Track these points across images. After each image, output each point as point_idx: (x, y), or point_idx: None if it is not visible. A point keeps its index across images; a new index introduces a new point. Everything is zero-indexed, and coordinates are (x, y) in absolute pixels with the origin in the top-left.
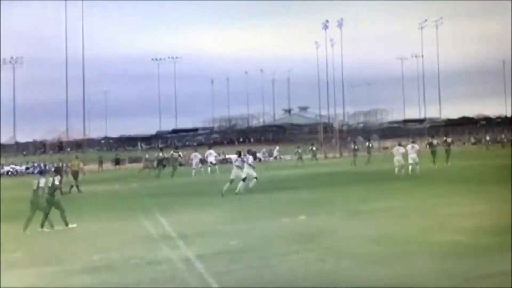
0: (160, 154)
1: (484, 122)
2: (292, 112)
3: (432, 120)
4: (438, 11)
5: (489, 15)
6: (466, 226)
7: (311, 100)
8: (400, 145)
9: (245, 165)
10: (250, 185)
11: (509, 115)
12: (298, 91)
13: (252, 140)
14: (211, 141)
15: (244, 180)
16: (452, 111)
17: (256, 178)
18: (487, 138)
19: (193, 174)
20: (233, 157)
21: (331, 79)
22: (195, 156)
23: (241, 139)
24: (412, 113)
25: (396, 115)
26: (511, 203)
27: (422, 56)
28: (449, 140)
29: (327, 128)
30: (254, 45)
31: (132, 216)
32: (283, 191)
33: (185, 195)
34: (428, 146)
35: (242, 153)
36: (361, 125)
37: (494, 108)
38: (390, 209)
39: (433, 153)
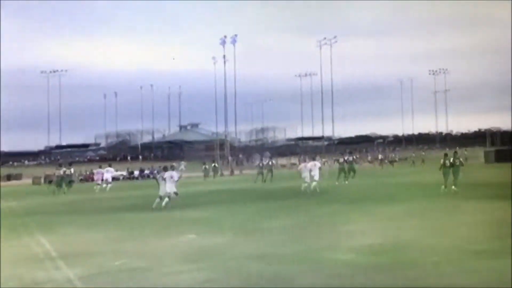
0: (62, 170)
1: (381, 140)
2: (185, 128)
3: (329, 138)
4: (335, 30)
5: (387, 35)
6: (361, 244)
7: (206, 116)
8: (305, 161)
9: (168, 180)
10: (163, 204)
11: (404, 133)
12: (194, 107)
13: (141, 157)
14: (97, 158)
15: (163, 197)
16: (347, 129)
17: (176, 193)
18: (380, 156)
19: (97, 190)
20: (174, 173)
21: (226, 95)
22: (98, 173)
23: (131, 156)
24: (309, 131)
25: (294, 133)
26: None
27: (315, 74)
28: (350, 158)
29: (224, 145)
30: (149, 60)
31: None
32: (186, 208)
33: (77, 212)
34: (337, 163)
35: (169, 168)
36: (259, 142)
37: (392, 127)
38: (286, 227)
39: (342, 170)
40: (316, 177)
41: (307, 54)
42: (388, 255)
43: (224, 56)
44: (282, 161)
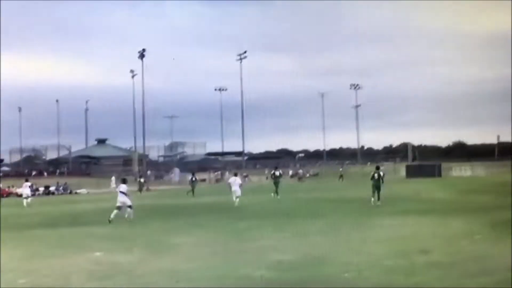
0: None
1: (302, 155)
2: (101, 143)
3: (250, 153)
4: (251, 44)
5: (307, 51)
6: (274, 260)
7: (115, 132)
8: (236, 175)
9: (120, 193)
10: (126, 215)
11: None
12: (102, 122)
13: (46, 173)
14: (0, 174)
15: (119, 208)
16: (260, 145)
17: (130, 206)
18: (300, 171)
19: (24, 204)
20: (123, 186)
21: (144, 110)
22: (25, 186)
23: (34, 172)
24: (229, 146)
25: (213, 147)
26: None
27: (225, 89)
28: (277, 173)
29: (133, 160)
30: (58, 75)
31: None
32: (86, 225)
33: None
34: (271, 177)
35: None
36: (176, 157)
37: (313, 142)
38: (198, 243)
39: (276, 184)
40: (238, 193)
41: (224, 68)
42: (297, 271)
43: (142, 71)
44: (203, 175)
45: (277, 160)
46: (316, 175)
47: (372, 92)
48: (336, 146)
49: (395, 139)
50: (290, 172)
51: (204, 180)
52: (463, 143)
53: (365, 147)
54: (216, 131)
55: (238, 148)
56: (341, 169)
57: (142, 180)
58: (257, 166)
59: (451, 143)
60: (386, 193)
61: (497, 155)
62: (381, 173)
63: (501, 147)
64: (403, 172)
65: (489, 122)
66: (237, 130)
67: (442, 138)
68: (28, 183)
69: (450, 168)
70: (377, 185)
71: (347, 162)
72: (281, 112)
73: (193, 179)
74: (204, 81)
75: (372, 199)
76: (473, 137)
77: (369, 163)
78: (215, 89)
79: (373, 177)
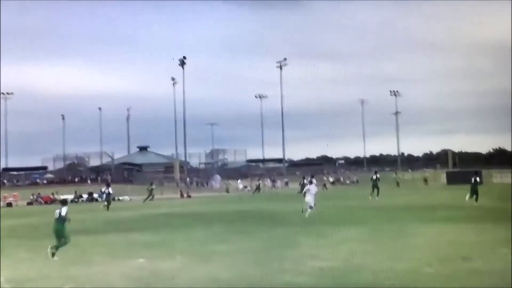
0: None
1: (342, 162)
2: (143, 150)
3: (290, 159)
4: (291, 51)
5: (347, 57)
6: (312, 267)
7: (156, 139)
8: (311, 183)
9: None
10: None
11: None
12: (142, 130)
13: (90, 180)
14: (45, 181)
15: None
16: (306, 151)
17: None
18: (341, 178)
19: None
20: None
21: (185, 117)
22: None
23: (78, 179)
24: (269, 153)
25: (254, 154)
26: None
27: (266, 97)
28: (331, 179)
29: (178, 167)
30: (99, 83)
31: None
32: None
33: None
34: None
35: None
36: (219, 163)
37: (353, 148)
38: (241, 250)
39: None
40: (311, 203)
41: (265, 75)
42: (339, 279)
43: (183, 78)
44: (245, 182)
45: (317, 167)
46: (356, 182)
47: (413, 100)
48: (376, 153)
49: (435, 146)
50: (331, 179)
51: (245, 187)
52: (504, 149)
53: (405, 154)
54: (256, 138)
55: (279, 155)
56: (395, 175)
57: (152, 187)
58: (297, 172)
59: (491, 150)
60: (428, 200)
61: None
62: (378, 176)
63: None
64: (443, 179)
65: None
66: (277, 137)
67: (482, 144)
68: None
69: (491, 174)
70: (374, 184)
71: (387, 169)
72: (321, 119)
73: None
74: (244, 88)
75: (370, 197)
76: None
77: (409, 170)
78: (255, 96)
79: (372, 178)
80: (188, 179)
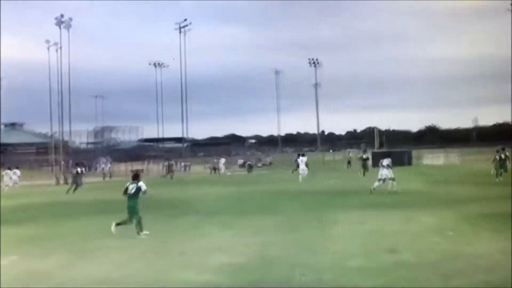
0: None
1: (254, 141)
2: (8, 127)
3: (193, 139)
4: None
5: (260, 23)
6: (219, 263)
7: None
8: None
9: None
10: None
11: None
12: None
13: None
14: None
15: None
16: (211, 129)
17: None
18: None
19: None
20: None
21: (56, 88)
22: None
23: None
24: (170, 131)
25: (150, 132)
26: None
27: (166, 66)
28: (240, 161)
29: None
30: None
31: None
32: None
33: None
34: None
35: None
36: (100, 144)
37: (266, 126)
38: (133, 244)
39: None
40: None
41: (164, 41)
42: (251, 275)
43: (60, 41)
44: (137, 165)
45: (223, 147)
46: (269, 164)
47: (334, 71)
48: (293, 131)
49: (359, 123)
50: (239, 162)
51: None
52: (436, 127)
53: (326, 132)
54: (154, 114)
55: (178, 134)
56: (350, 155)
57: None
58: (200, 154)
59: (422, 128)
60: (351, 184)
61: (475, 140)
62: (368, 155)
63: (478, 131)
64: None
65: (464, 104)
66: (177, 113)
67: (412, 122)
68: None
69: (422, 155)
70: (364, 164)
71: (305, 149)
72: (229, 92)
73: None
74: (139, 55)
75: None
76: (447, 120)
77: (331, 150)
78: (151, 64)
79: (361, 157)
80: (70, 162)
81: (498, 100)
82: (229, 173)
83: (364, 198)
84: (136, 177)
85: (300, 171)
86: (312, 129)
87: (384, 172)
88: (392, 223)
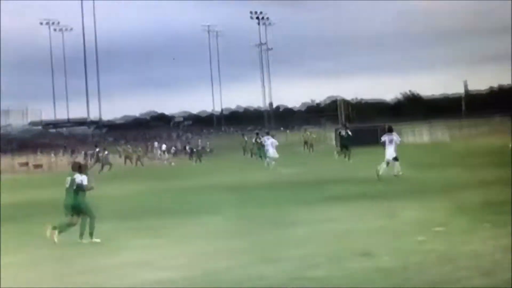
0: None
1: (181, 119)
2: None
3: (107, 121)
4: None
5: None
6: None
7: None
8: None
9: None
10: None
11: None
12: None
13: None
14: None
15: None
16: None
17: None
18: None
19: None
20: None
21: None
22: None
23: None
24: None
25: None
26: None
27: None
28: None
29: None
30: None
31: None
32: None
33: None
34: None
35: None
36: None
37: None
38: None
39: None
40: (275, 155)
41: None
42: None
43: None
44: (22, 158)
45: (145, 130)
46: (209, 151)
47: (286, 30)
48: (235, 106)
49: (320, 93)
50: (164, 147)
51: (26, 164)
52: (417, 95)
53: (278, 106)
54: (48, 89)
55: (83, 114)
56: (307, 133)
57: None
58: (110, 139)
59: (400, 96)
60: (312, 172)
61: (465, 110)
62: (349, 132)
63: (469, 99)
64: (333, 140)
65: (452, 64)
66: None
67: (388, 89)
68: None
69: (401, 131)
70: (344, 144)
71: (249, 128)
72: (150, 59)
73: None
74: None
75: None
76: (431, 86)
77: (283, 128)
78: (41, 23)
79: (339, 133)
80: None
81: (495, 58)
82: (173, 163)
83: (334, 189)
84: (78, 168)
85: (269, 156)
86: (260, 103)
87: (390, 151)
88: (367, 220)
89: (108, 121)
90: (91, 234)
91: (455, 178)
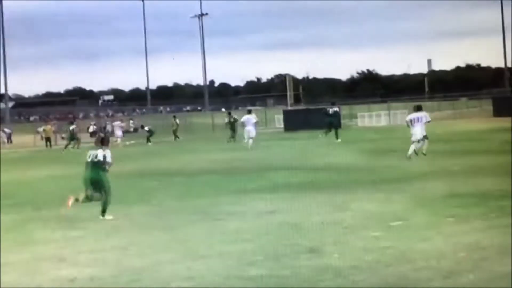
0: None
1: (111, 98)
2: None
3: (18, 96)
4: None
5: None
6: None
7: None
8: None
9: None
10: None
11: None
12: None
13: None
14: None
15: None
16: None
17: None
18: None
19: None
20: None
21: None
22: None
23: None
24: None
25: None
26: None
27: None
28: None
29: None
30: None
31: None
32: None
33: None
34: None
35: None
36: None
37: (130, 76)
38: None
39: None
40: (252, 133)
41: None
42: None
43: None
44: None
45: (65, 108)
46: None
47: None
48: (168, 82)
49: (265, 69)
50: (91, 128)
51: None
52: (375, 73)
53: (217, 84)
54: None
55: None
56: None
57: None
58: (27, 118)
59: (354, 74)
60: (253, 158)
61: (428, 91)
62: (336, 109)
63: (433, 78)
64: (279, 122)
65: (414, 39)
66: None
67: (341, 66)
68: None
69: (355, 113)
70: (331, 122)
71: (187, 108)
72: (73, 28)
73: None
74: None
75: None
76: (390, 64)
77: (224, 109)
78: None
79: (327, 112)
80: None
81: (463, 34)
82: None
83: (278, 176)
84: (100, 142)
85: (246, 135)
86: (197, 79)
87: (417, 130)
88: (314, 212)
89: (21, 97)
90: (103, 212)
91: (415, 166)
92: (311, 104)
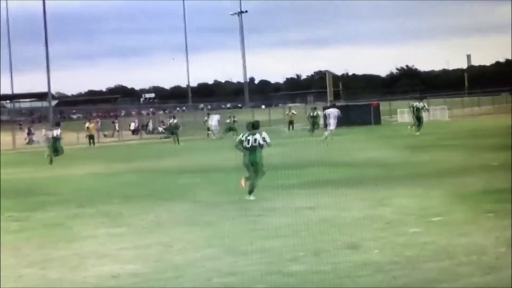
0: None
1: (153, 96)
2: None
3: (62, 95)
4: None
5: None
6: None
7: None
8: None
9: None
10: None
11: None
12: None
13: None
14: None
15: None
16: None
17: None
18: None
19: None
20: None
21: None
22: None
23: None
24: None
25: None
26: None
27: None
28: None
29: None
30: None
31: None
32: None
33: None
34: None
35: None
36: None
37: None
38: None
39: None
40: (332, 126)
41: None
42: None
43: None
44: None
45: (106, 106)
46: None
47: None
48: (209, 79)
49: (305, 67)
50: (132, 126)
51: None
52: (413, 69)
53: (257, 81)
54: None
55: (41, 88)
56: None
57: None
58: (69, 116)
59: (394, 70)
60: (289, 153)
61: (468, 87)
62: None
63: (472, 74)
64: (320, 118)
65: (453, 35)
66: (39, 57)
67: (381, 62)
68: None
69: (395, 110)
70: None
71: (226, 105)
72: (114, 24)
73: None
74: None
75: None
76: (429, 59)
77: (264, 106)
78: None
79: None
80: None
81: (501, 29)
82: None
83: (318, 173)
84: (252, 126)
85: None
86: (237, 77)
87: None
88: (354, 208)
89: (65, 96)
90: (250, 192)
91: (454, 162)
92: (351, 100)
